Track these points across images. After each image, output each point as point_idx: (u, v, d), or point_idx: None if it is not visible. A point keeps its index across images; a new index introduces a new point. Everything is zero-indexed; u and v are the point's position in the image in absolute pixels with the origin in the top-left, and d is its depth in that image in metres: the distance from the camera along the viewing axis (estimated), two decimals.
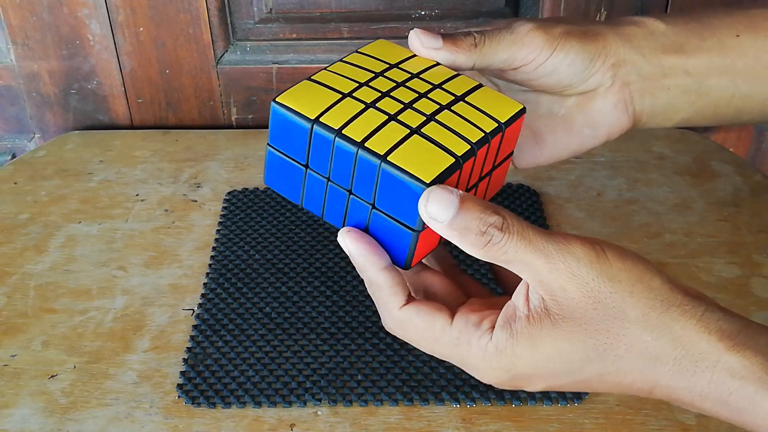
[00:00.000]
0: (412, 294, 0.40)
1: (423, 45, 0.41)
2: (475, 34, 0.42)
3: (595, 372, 0.37)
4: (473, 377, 0.40)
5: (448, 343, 0.38)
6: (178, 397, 0.54)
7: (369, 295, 0.61)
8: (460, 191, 0.36)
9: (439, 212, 0.36)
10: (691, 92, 0.46)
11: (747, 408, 0.35)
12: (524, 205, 0.70)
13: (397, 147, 0.37)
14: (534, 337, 0.36)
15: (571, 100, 0.46)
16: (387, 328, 0.41)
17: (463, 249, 0.36)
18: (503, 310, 0.38)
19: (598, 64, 0.44)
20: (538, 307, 0.36)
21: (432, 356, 0.56)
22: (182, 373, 0.56)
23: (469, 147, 0.38)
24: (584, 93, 0.45)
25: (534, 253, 0.35)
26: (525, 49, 0.43)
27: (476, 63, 0.43)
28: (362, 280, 0.62)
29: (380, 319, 0.59)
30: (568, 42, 0.43)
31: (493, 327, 0.37)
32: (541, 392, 0.40)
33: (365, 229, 0.40)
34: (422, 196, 0.36)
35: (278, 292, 0.62)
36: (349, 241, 0.39)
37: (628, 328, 0.35)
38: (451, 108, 0.40)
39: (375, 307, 0.60)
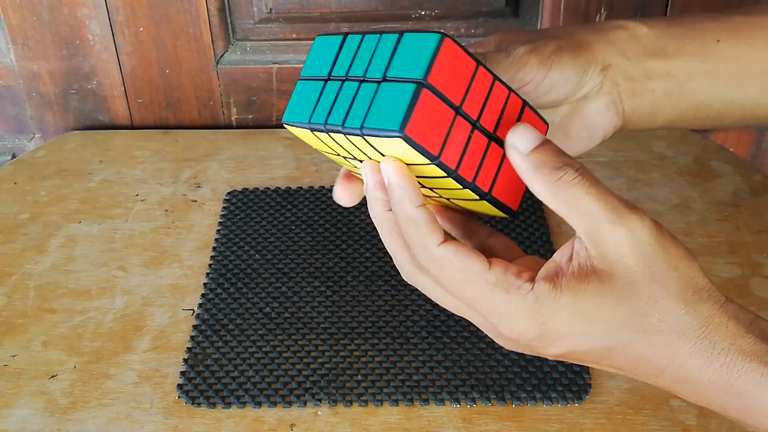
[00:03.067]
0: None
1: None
2: (503, 50, 0.43)
3: (624, 339, 0.37)
4: (491, 335, 0.40)
5: (484, 287, 0.38)
6: (178, 397, 0.54)
7: (369, 295, 0.61)
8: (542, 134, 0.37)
9: (522, 141, 0.37)
10: (674, 95, 0.48)
11: (750, 391, 0.37)
12: (524, 205, 0.70)
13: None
14: (578, 291, 0.37)
15: (563, 108, 0.47)
16: (408, 274, 0.40)
17: (531, 185, 0.37)
18: (545, 266, 0.38)
19: (589, 73, 0.45)
20: (585, 264, 0.37)
21: (431, 357, 0.56)
22: (182, 373, 0.56)
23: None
24: (575, 98, 0.46)
25: (603, 203, 0.36)
26: (522, 72, 0.43)
27: None
28: (362, 281, 0.62)
29: (380, 318, 0.59)
30: (560, 59, 0.44)
31: (533, 279, 0.38)
32: (555, 359, 0.40)
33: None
34: (511, 131, 0.38)
35: (278, 292, 0.62)
36: (392, 170, 0.38)
37: (666, 298, 0.37)
38: None
39: (375, 307, 0.60)
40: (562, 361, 0.55)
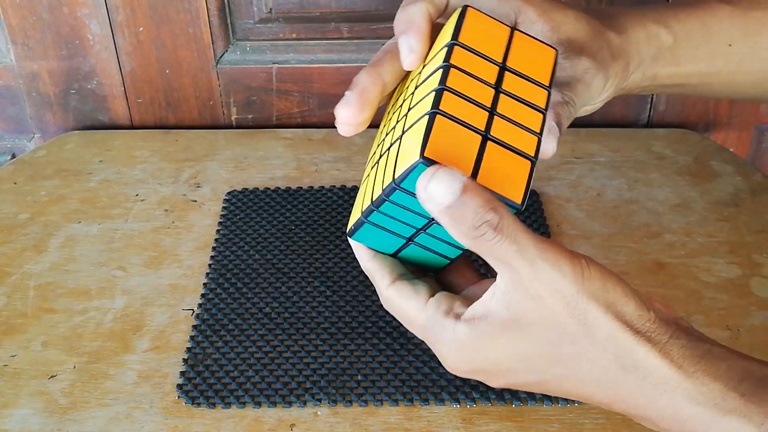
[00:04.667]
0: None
1: (549, 153, 0.41)
2: (571, 104, 0.42)
3: (555, 375, 0.38)
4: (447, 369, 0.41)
5: (421, 325, 0.40)
6: (178, 397, 0.54)
7: (369, 295, 0.61)
8: (465, 177, 0.34)
9: (439, 194, 0.34)
10: (670, 87, 0.49)
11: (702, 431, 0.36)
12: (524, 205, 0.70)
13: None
14: (495, 337, 0.37)
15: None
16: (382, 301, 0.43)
17: (451, 233, 0.36)
18: (473, 304, 0.38)
19: (610, 83, 0.46)
20: (506, 309, 0.36)
21: (432, 356, 0.56)
22: (182, 373, 0.56)
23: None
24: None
25: (521, 261, 0.35)
26: (592, 98, 0.45)
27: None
28: (362, 280, 0.62)
29: (380, 318, 0.59)
30: (615, 81, 0.45)
31: (459, 317, 0.38)
32: (507, 388, 0.41)
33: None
34: (425, 173, 0.34)
35: (278, 292, 0.62)
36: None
37: (594, 345, 0.36)
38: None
39: (375, 307, 0.60)
40: None
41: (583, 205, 0.70)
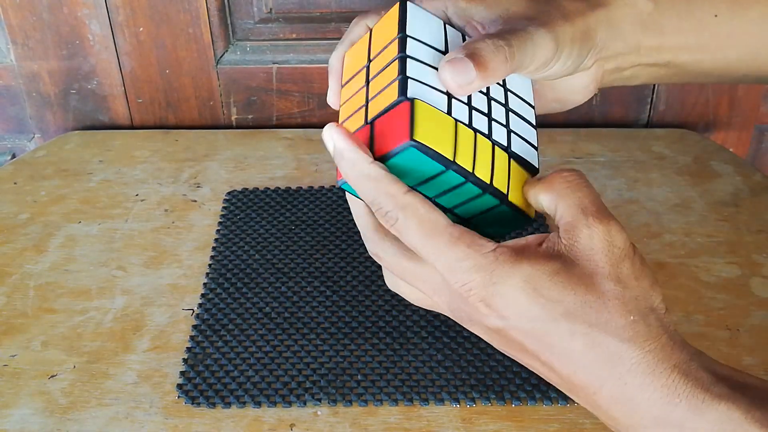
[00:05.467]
0: None
1: (458, 85, 0.39)
2: (505, 48, 0.40)
3: (568, 328, 0.37)
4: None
5: (448, 239, 0.38)
6: (178, 397, 0.54)
7: (369, 295, 0.61)
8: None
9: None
10: (659, 66, 0.48)
11: (691, 418, 0.35)
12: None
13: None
14: (536, 265, 0.37)
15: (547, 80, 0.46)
16: (372, 243, 0.41)
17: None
18: (514, 240, 0.39)
19: (587, 59, 0.45)
20: (552, 248, 0.38)
21: (431, 357, 0.56)
22: (182, 373, 0.56)
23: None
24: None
25: (591, 203, 0.39)
26: (540, 58, 0.42)
27: (503, 77, 0.41)
28: (362, 281, 0.62)
29: (380, 318, 0.59)
30: (573, 47, 0.43)
31: (496, 243, 0.38)
32: (492, 337, 0.40)
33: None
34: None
35: (278, 292, 0.62)
36: (337, 135, 0.39)
37: (620, 300, 0.37)
38: None
39: (375, 307, 0.60)
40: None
41: None
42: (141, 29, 0.79)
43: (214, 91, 0.83)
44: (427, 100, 0.39)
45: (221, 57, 0.82)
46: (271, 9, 0.79)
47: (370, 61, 0.42)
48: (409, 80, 0.39)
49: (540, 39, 0.41)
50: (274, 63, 0.82)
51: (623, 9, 0.45)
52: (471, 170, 0.39)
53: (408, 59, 0.39)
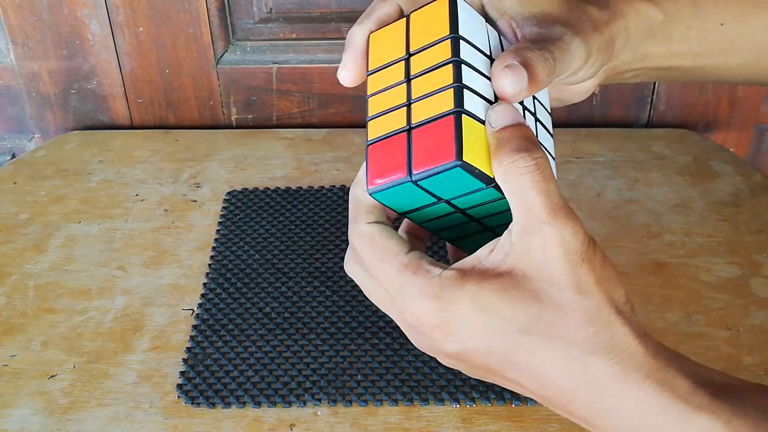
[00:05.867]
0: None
1: (513, 92, 0.38)
2: (551, 61, 0.39)
3: (527, 343, 0.36)
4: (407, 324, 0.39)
5: (397, 267, 0.38)
6: (178, 397, 0.54)
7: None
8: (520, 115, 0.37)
9: (496, 118, 0.37)
10: (661, 69, 0.48)
11: (671, 426, 0.35)
12: None
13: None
14: (484, 284, 0.36)
15: None
16: (346, 261, 0.42)
17: (492, 162, 0.37)
18: (463, 259, 0.38)
19: (596, 63, 0.44)
20: (502, 260, 0.36)
21: (431, 357, 0.56)
22: (182, 373, 0.56)
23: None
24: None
25: (544, 201, 0.36)
26: (572, 68, 0.42)
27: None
28: None
29: (380, 318, 0.59)
30: (598, 57, 0.43)
31: (444, 268, 0.37)
32: (451, 364, 0.39)
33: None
34: (492, 108, 0.37)
35: (278, 292, 0.62)
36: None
37: (579, 313, 0.35)
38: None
39: (375, 307, 0.60)
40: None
41: (583, 205, 0.70)
42: (141, 29, 0.79)
43: (214, 91, 0.83)
44: (475, 111, 0.37)
45: (221, 57, 0.81)
46: (271, 9, 0.79)
47: (410, 54, 0.40)
48: (464, 90, 0.37)
49: (575, 50, 0.41)
50: (274, 63, 0.82)
51: (638, 20, 0.45)
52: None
53: (462, 65, 0.37)
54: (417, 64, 0.39)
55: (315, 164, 0.77)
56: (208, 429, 0.52)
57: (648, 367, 0.35)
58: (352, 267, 0.42)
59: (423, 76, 0.38)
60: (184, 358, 0.57)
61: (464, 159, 0.36)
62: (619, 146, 0.78)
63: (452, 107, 0.36)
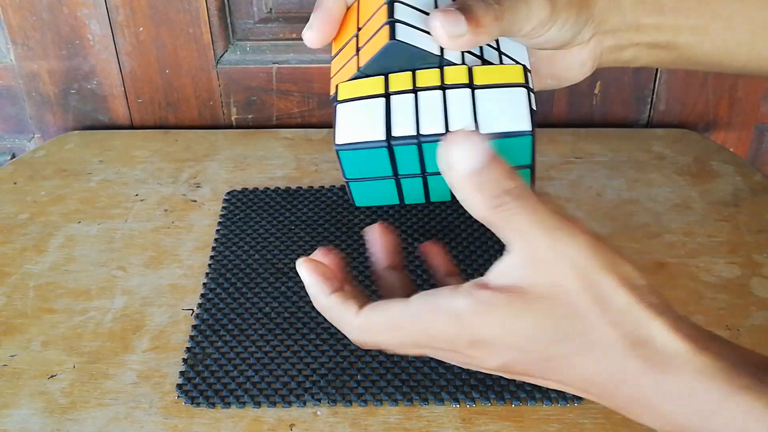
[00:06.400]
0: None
1: (448, 35, 0.38)
2: (495, 6, 0.39)
3: (562, 352, 0.36)
4: (451, 365, 0.39)
5: (410, 321, 0.38)
6: (178, 397, 0.54)
7: (369, 295, 0.61)
8: (487, 144, 0.35)
9: (462, 161, 0.35)
10: (657, 46, 0.47)
11: (713, 412, 0.34)
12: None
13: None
14: (498, 311, 0.36)
15: (544, 53, 0.46)
16: (357, 343, 0.41)
17: (467, 205, 0.36)
18: (470, 281, 0.37)
19: (584, 30, 0.44)
20: (512, 283, 0.36)
21: (431, 357, 0.56)
22: (182, 373, 0.56)
23: None
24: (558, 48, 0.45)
25: (539, 230, 0.35)
26: (534, 21, 0.41)
27: (494, 37, 0.40)
28: (362, 281, 0.62)
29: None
30: (570, 12, 0.42)
31: (455, 294, 0.37)
32: (498, 373, 0.39)
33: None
34: (446, 140, 0.35)
35: (278, 292, 0.62)
36: (304, 269, 0.41)
37: (605, 319, 0.35)
38: None
39: None
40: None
41: (583, 205, 0.70)
42: (141, 29, 0.79)
43: (214, 91, 0.83)
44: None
45: (221, 57, 0.81)
46: (271, 9, 0.79)
47: (359, 29, 0.42)
48: (397, 24, 0.38)
49: (536, 4, 0.40)
50: (274, 63, 0.81)
51: None
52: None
53: (396, 3, 0.40)
54: (363, 24, 0.42)
55: (315, 164, 0.77)
56: (207, 429, 0.52)
57: (687, 353, 0.35)
58: (368, 339, 0.41)
59: (365, 26, 0.42)
60: (183, 358, 0.57)
61: (397, 38, 0.38)
62: (619, 146, 0.78)
63: (388, 40, 0.39)
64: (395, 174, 0.40)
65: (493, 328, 0.36)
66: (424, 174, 0.40)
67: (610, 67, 0.48)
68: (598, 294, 0.35)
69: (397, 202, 0.43)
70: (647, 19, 0.46)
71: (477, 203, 0.35)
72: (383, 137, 0.38)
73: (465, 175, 0.35)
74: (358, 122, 0.39)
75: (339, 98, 0.40)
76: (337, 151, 0.39)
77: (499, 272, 0.36)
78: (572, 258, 0.35)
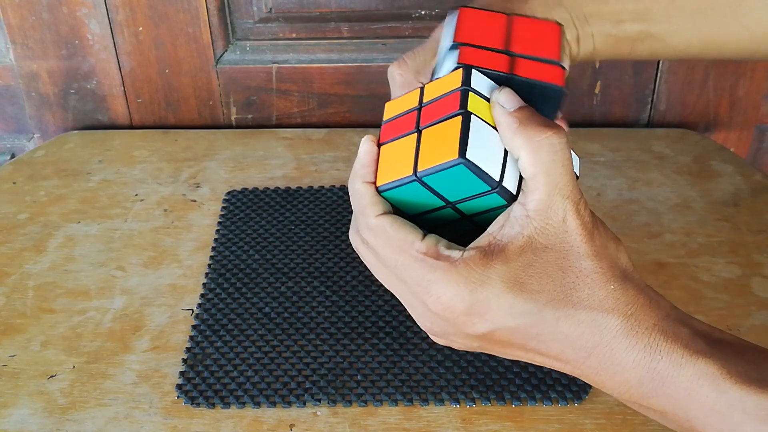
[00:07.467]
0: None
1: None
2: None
3: (552, 314, 0.37)
4: (426, 309, 0.39)
5: (414, 255, 0.38)
6: (177, 397, 0.54)
7: (369, 295, 0.61)
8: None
9: (508, 101, 0.39)
10: (610, 36, 0.48)
11: (672, 375, 0.37)
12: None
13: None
14: (510, 261, 0.37)
15: None
16: (354, 241, 0.42)
17: (513, 139, 0.38)
18: (479, 237, 0.39)
19: (556, 11, 0.46)
20: (521, 234, 0.37)
21: (431, 357, 0.56)
22: (181, 373, 0.55)
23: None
24: None
25: (569, 177, 0.37)
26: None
27: None
28: (362, 280, 0.62)
29: (380, 318, 0.59)
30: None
31: (463, 249, 0.38)
32: (480, 342, 0.40)
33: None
34: (497, 91, 0.39)
35: (278, 292, 0.62)
36: (363, 146, 0.41)
37: (598, 273, 0.38)
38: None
39: (375, 307, 0.60)
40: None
41: None
42: (140, 29, 0.79)
43: (214, 90, 0.83)
44: (481, 114, 0.39)
45: (221, 57, 0.81)
46: (270, 8, 0.79)
47: (422, 105, 0.41)
48: (470, 93, 0.39)
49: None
50: (273, 63, 0.81)
51: None
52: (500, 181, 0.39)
53: (470, 91, 0.39)
54: (429, 106, 0.41)
55: (315, 164, 0.77)
56: (207, 429, 0.52)
57: (654, 316, 0.38)
58: (360, 247, 0.42)
59: (433, 102, 0.40)
60: (183, 359, 0.57)
61: (467, 157, 0.36)
62: (619, 146, 0.78)
63: (458, 109, 0.38)
64: (446, 203, 0.40)
65: (493, 287, 0.37)
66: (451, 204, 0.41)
67: (611, 60, 0.49)
68: (597, 253, 0.38)
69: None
70: (589, 8, 0.47)
71: (524, 135, 0.37)
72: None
73: (514, 109, 0.38)
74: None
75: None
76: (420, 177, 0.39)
77: (505, 226, 0.38)
78: (582, 216, 0.38)
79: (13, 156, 0.87)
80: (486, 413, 0.53)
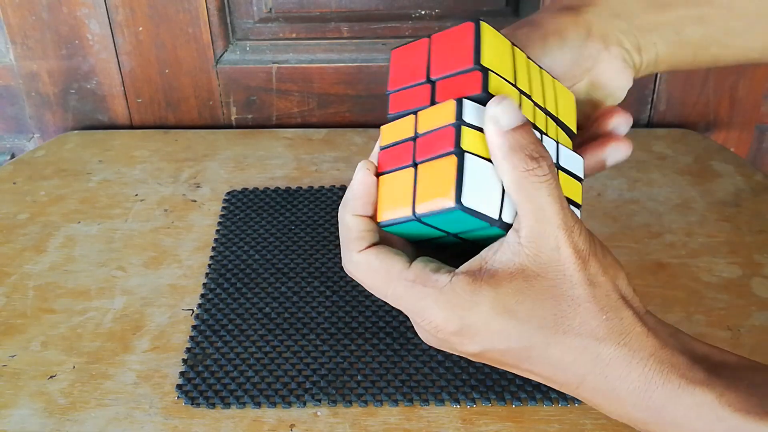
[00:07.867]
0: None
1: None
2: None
3: (542, 341, 0.37)
4: (425, 330, 0.39)
5: (404, 285, 0.38)
6: (178, 397, 0.54)
7: (369, 295, 0.61)
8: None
9: (505, 116, 0.37)
10: (673, 43, 0.48)
11: (667, 405, 0.37)
12: None
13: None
14: (499, 287, 0.37)
15: (582, 84, 0.47)
16: (346, 270, 0.41)
17: (499, 165, 0.37)
18: (471, 259, 0.38)
19: (588, 43, 0.45)
20: (512, 261, 0.37)
21: (431, 357, 0.56)
22: (182, 373, 0.55)
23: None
24: (589, 71, 0.46)
25: (559, 208, 0.37)
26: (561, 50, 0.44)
27: None
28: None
29: (380, 318, 0.59)
30: (559, 38, 0.44)
31: (452, 273, 0.38)
32: (474, 359, 0.40)
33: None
34: (493, 99, 0.37)
35: (278, 292, 0.62)
36: (360, 174, 0.40)
37: (590, 303, 0.37)
38: None
39: (375, 307, 0.60)
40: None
41: (584, 205, 0.70)
42: (140, 29, 0.79)
43: (214, 90, 0.83)
44: (475, 150, 0.38)
45: (221, 57, 0.81)
46: (270, 8, 0.79)
47: (417, 135, 0.40)
48: (465, 178, 0.37)
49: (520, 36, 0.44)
50: (273, 63, 0.81)
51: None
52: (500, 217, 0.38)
53: (463, 126, 0.38)
54: (423, 138, 0.40)
55: (315, 164, 0.77)
56: (207, 429, 0.52)
57: (651, 345, 0.37)
58: (357, 275, 0.41)
59: (427, 135, 0.39)
60: (183, 359, 0.57)
61: (462, 202, 0.36)
62: None
63: (452, 147, 0.37)
64: (447, 234, 0.40)
65: (481, 313, 0.37)
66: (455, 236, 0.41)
67: (673, 70, 0.49)
68: (591, 281, 0.37)
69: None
70: (649, 18, 0.47)
71: (510, 164, 0.36)
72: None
73: (506, 131, 0.37)
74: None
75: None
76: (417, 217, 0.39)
77: (498, 252, 0.37)
78: (576, 244, 0.37)
79: (13, 156, 0.87)
80: (486, 413, 0.53)
